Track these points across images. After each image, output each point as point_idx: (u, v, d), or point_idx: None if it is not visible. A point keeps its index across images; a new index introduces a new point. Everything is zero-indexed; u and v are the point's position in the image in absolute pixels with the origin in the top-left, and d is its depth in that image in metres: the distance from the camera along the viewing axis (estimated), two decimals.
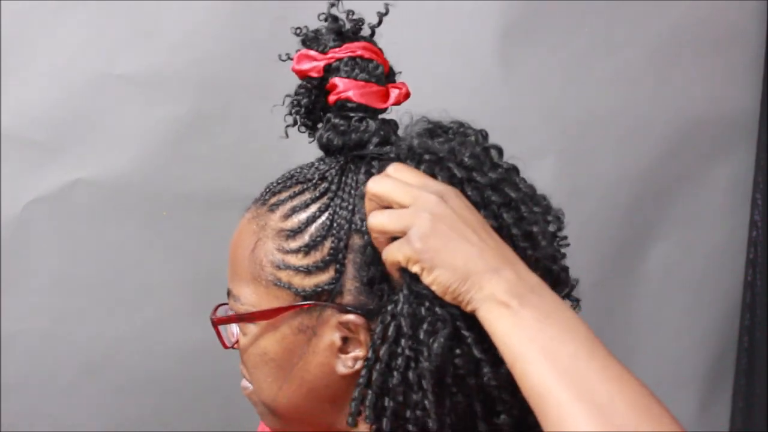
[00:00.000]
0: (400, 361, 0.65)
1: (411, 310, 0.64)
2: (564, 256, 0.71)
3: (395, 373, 0.65)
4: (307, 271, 0.69)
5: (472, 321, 0.63)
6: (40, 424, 1.37)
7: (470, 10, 1.40)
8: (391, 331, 0.65)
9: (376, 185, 0.65)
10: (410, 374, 0.65)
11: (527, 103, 1.45)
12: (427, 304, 0.64)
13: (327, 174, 0.72)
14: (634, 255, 1.58)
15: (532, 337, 0.58)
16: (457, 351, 0.64)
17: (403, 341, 0.65)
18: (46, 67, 1.27)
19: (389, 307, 0.66)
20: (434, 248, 0.62)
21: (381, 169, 0.69)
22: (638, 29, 1.48)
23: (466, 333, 0.64)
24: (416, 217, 0.63)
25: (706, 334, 1.64)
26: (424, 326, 0.64)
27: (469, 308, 0.62)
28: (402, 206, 0.64)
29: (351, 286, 0.69)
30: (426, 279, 0.62)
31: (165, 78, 1.31)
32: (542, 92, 1.46)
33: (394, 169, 0.67)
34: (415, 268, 0.63)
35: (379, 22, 0.76)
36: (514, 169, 0.71)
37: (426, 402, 0.64)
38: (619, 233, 1.56)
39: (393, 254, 0.64)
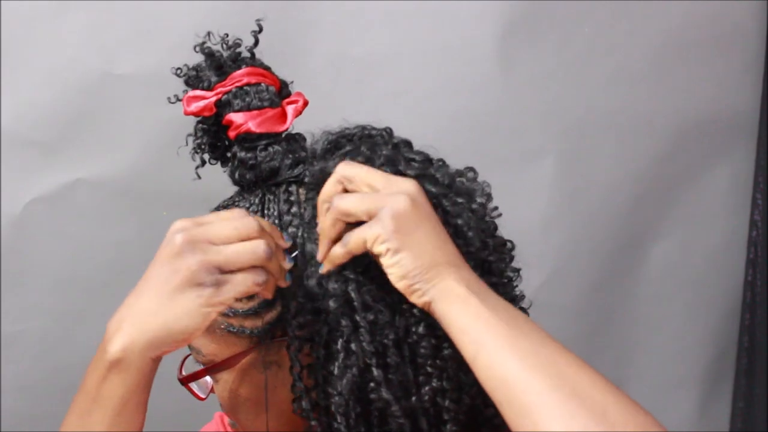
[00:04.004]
0: (316, 392, 0.66)
1: (326, 343, 0.65)
2: (496, 228, 0.70)
3: (303, 402, 0.66)
4: (255, 313, 0.68)
5: (383, 358, 0.64)
6: (40, 424, 1.36)
7: (470, 11, 1.40)
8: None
9: (349, 168, 0.64)
10: (321, 403, 0.66)
11: (527, 103, 1.45)
12: (345, 336, 0.64)
13: (249, 211, 0.70)
14: (634, 255, 1.58)
15: (493, 329, 0.59)
16: (371, 385, 0.64)
17: (315, 372, 0.66)
18: (46, 67, 1.27)
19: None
20: (405, 230, 0.61)
21: (300, 194, 0.69)
22: (638, 29, 1.47)
23: (375, 371, 0.63)
24: (391, 198, 0.61)
25: (706, 334, 1.64)
26: (338, 360, 0.64)
27: (422, 299, 0.61)
28: (372, 190, 0.63)
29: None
30: (388, 260, 0.61)
31: (165, 78, 1.30)
32: (542, 92, 1.46)
33: (346, 164, 0.65)
34: (379, 248, 0.61)
35: (256, 42, 0.74)
36: (428, 160, 0.70)
37: (342, 428, 0.64)
38: (619, 233, 1.55)
39: (361, 233, 0.62)
